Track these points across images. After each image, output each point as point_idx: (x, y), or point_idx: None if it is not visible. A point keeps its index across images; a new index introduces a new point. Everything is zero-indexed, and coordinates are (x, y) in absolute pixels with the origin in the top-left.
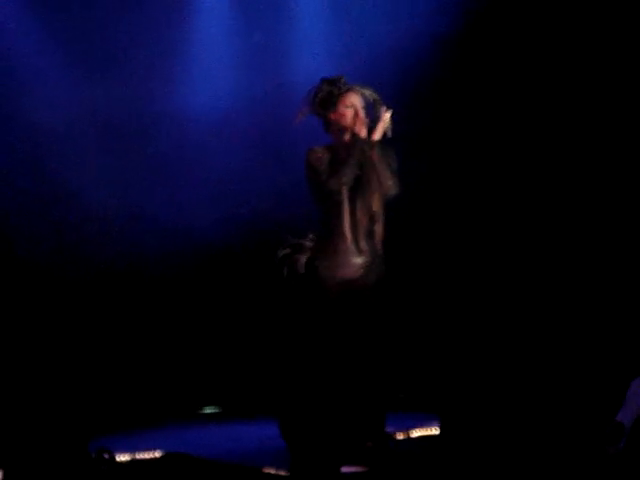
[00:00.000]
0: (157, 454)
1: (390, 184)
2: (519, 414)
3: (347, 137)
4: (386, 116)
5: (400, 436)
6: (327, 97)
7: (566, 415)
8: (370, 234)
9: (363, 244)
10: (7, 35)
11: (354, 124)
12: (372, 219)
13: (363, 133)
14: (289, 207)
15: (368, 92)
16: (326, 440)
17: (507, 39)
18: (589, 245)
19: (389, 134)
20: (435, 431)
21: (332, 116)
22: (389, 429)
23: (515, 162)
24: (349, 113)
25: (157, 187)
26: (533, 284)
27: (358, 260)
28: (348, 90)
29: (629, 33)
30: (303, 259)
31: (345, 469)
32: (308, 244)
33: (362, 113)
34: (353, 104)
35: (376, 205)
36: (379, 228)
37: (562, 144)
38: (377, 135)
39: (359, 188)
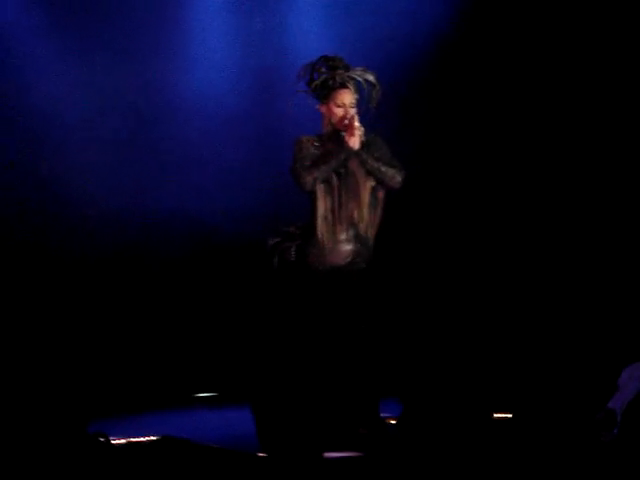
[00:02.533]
0: (153, 438)
1: (391, 174)
2: (512, 404)
3: (335, 130)
4: (357, 125)
5: (394, 421)
6: (322, 86)
7: (559, 403)
8: (359, 223)
9: (350, 232)
10: (9, 23)
11: (341, 124)
12: (361, 209)
13: (347, 138)
14: (293, 196)
15: (367, 75)
16: (316, 425)
17: (505, 28)
18: (580, 234)
19: (363, 139)
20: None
21: (322, 108)
22: (383, 414)
23: (510, 156)
24: (338, 112)
25: (161, 175)
26: (523, 273)
27: (346, 247)
28: (341, 86)
29: (627, 27)
30: (293, 247)
31: (332, 454)
32: (298, 232)
33: (351, 113)
34: (344, 104)
35: (364, 195)
36: (370, 217)
37: (557, 135)
38: (356, 145)
39: (345, 179)
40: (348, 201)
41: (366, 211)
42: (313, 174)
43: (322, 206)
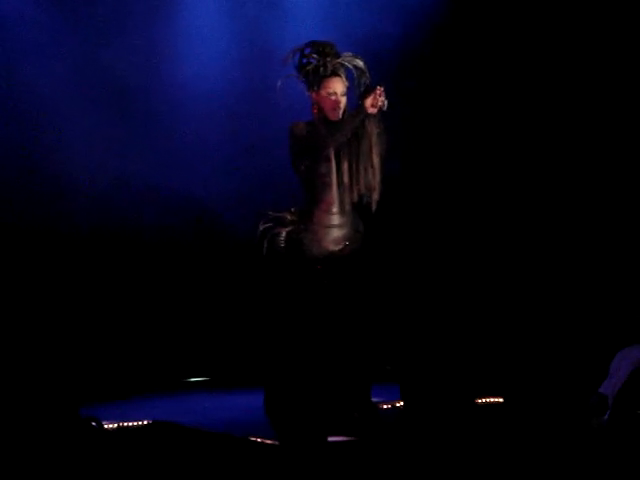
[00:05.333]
0: (144, 423)
1: (386, 146)
2: (504, 389)
3: (325, 117)
4: (381, 91)
5: (386, 406)
6: (313, 73)
7: (551, 388)
8: (352, 208)
9: (345, 217)
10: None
11: (332, 110)
12: (359, 192)
13: (367, 105)
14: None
15: (357, 61)
16: (312, 410)
17: (497, 20)
18: (568, 220)
19: (384, 108)
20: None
21: (314, 95)
22: (375, 399)
23: (501, 147)
24: (329, 100)
25: (160, 159)
26: (515, 257)
27: (340, 233)
28: (333, 74)
29: (623, 21)
30: (284, 232)
31: (331, 439)
32: (289, 218)
33: (343, 100)
34: (335, 92)
35: (364, 177)
36: (379, 176)
37: (550, 119)
38: (374, 110)
39: (346, 160)
40: (357, 173)
41: (378, 171)
42: (332, 136)
43: (334, 178)
